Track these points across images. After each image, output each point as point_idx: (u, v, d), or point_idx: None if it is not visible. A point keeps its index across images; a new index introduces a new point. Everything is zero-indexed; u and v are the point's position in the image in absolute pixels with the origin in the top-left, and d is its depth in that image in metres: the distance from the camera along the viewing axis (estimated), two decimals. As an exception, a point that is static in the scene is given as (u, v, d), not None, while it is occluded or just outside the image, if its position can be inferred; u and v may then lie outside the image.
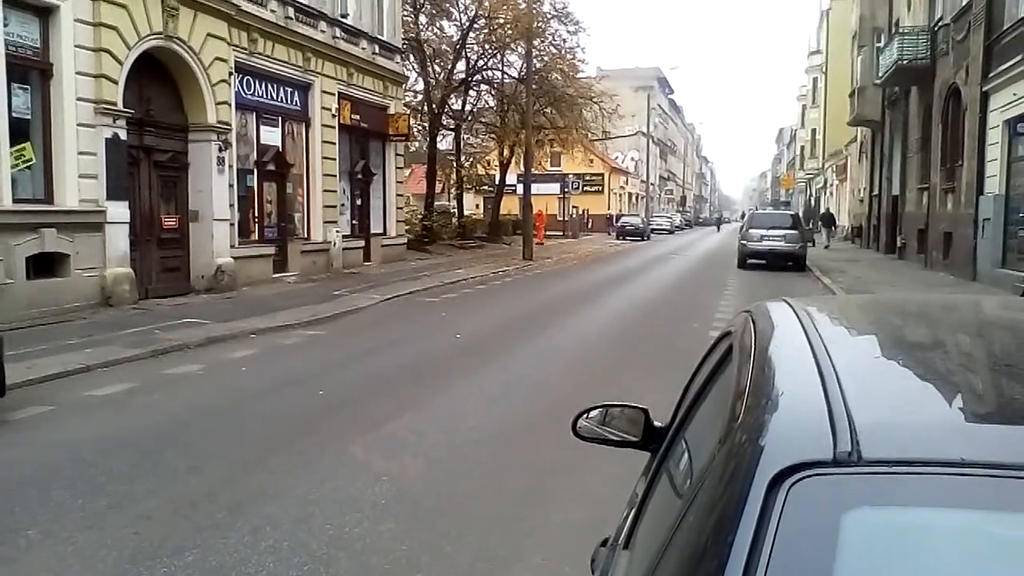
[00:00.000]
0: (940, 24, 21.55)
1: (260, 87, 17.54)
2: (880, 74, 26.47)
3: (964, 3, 18.99)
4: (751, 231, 24.12)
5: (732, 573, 0.84)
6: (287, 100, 18.57)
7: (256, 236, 17.62)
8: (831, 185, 53.38)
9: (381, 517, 4.59)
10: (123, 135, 12.95)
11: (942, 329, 1.84)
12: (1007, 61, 15.79)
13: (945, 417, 1.11)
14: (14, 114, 11.35)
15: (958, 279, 17.74)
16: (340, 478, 5.25)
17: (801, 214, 39.42)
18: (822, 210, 49.00)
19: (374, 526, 4.46)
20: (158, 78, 14.40)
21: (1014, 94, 15.49)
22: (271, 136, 18.13)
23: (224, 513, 4.62)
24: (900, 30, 24.65)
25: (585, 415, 2.32)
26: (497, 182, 37.58)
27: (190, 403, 7.40)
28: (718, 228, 68.45)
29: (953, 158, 20.04)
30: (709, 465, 1.17)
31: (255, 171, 17.54)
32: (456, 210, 37.28)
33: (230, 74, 15.80)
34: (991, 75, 16.78)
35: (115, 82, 12.69)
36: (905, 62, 22.75)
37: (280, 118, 18.45)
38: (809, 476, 0.90)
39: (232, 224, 15.98)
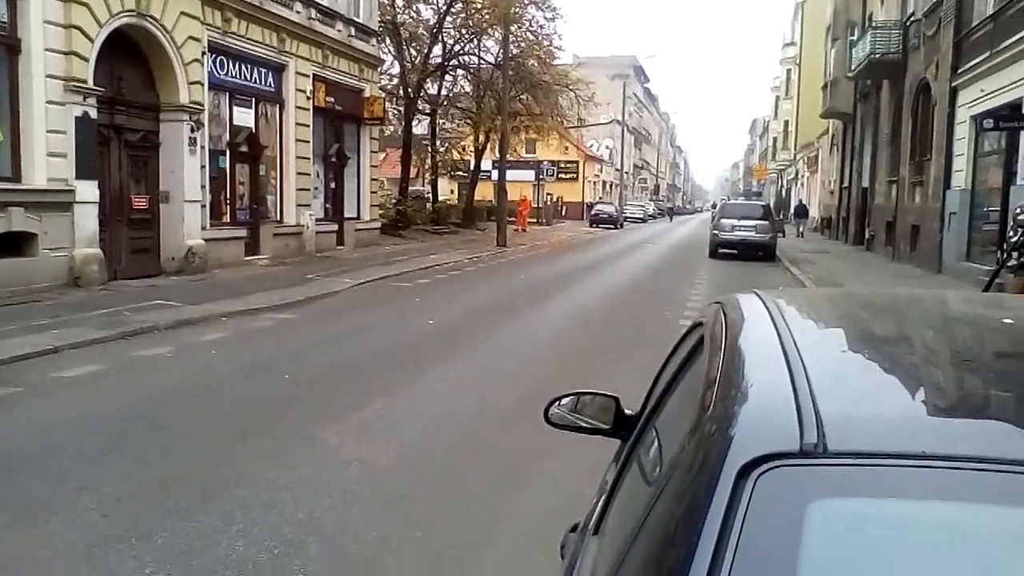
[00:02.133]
0: (912, 19, 21.81)
1: (233, 67, 17.32)
2: (852, 67, 26.74)
3: (935, -1, 19.23)
4: (723, 221, 24.34)
5: (700, 561, 0.87)
6: (261, 81, 18.35)
7: (228, 218, 17.44)
8: (802, 176, 53.87)
9: (352, 502, 4.61)
10: (93, 113, 12.74)
11: (908, 324, 1.89)
12: (975, 57, 16.04)
13: (909, 410, 1.15)
14: (-20, 90, 11.16)
15: (924, 271, 18.04)
16: (311, 463, 5.26)
17: (772, 205, 39.91)
18: (794, 201, 49.56)
19: (345, 511, 4.48)
20: (130, 56, 14.16)
21: (981, 90, 15.74)
22: (244, 117, 17.91)
23: (194, 496, 4.62)
24: (873, 24, 24.92)
25: (557, 402, 2.36)
26: (472, 168, 37.46)
27: (160, 386, 7.34)
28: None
29: (922, 152, 20.34)
30: (679, 454, 1.20)
31: (227, 152, 17.34)
32: (430, 195, 37.14)
33: (203, 53, 15.59)
34: (960, 71, 17.03)
35: (85, 59, 12.47)
36: (877, 56, 23.02)
37: (253, 99, 18.23)
38: (776, 467, 0.93)
39: (204, 206, 15.80)
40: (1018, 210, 9.89)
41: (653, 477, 1.41)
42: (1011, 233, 10.01)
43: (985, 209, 16.13)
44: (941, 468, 0.92)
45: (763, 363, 1.27)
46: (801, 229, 37.26)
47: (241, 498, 4.59)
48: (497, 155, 29.27)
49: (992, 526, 0.88)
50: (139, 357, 8.40)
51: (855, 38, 27.84)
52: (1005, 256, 10.02)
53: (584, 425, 2.31)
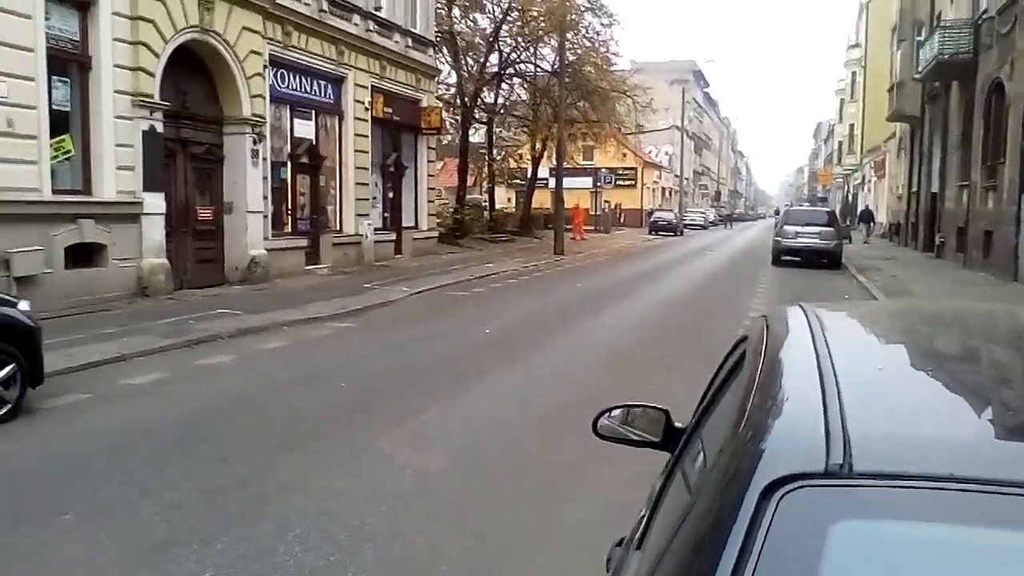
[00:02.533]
0: (984, 17, 21.07)
1: (294, 80, 17.69)
2: (920, 68, 25.98)
3: (1009, -4, 18.55)
4: (786, 227, 23.83)
5: None
6: (320, 93, 18.70)
7: (289, 228, 17.80)
8: (869, 181, 52.57)
9: (404, 509, 4.63)
10: (159, 127, 13.15)
11: (954, 340, 1.83)
12: (1052, 55, 15.42)
13: (940, 431, 1.11)
14: (54, 106, 11.57)
15: (998, 279, 17.38)
16: (365, 470, 5.30)
17: (838, 210, 39.10)
18: (860, 207, 48.48)
19: (397, 518, 4.50)
20: (194, 71, 14.58)
21: (1059, 89, 15.13)
22: (304, 129, 18.29)
23: (252, 503, 4.69)
24: (941, 23, 24.17)
25: (607, 414, 2.32)
26: (529, 176, 37.52)
27: (222, 393, 7.51)
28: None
29: (995, 155, 19.62)
30: (711, 470, 1.20)
31: (288, 164, 17.71)
32: (487, 204, 37.31)
33: (265, 67, 15.96)
34: (1036, 70, 16.39)
35: (152, 75, 12.88)
36: (946, 56, 22.30)
37: (313, 111, 18.60)
38: (800, 487, 0.92)
39: (266, 216, 16.15)
40: None
41: (690, 492, 1.38)
42: None
43: (1063, 213, 15.48)
44: (969, 491, 0.90)
45: (797, 380, 1.26)
46: (866, 236, 36.44)
47: (297, 504, 4.64)
48: (554, 163, 29.24)
49: (1020, 551, 0.86)
50: (202, 365, 8.60)
51: (922, 38, 27.07)
52: None
53: (633, 438, 2.27)
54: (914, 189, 31.36)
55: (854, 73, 55.98)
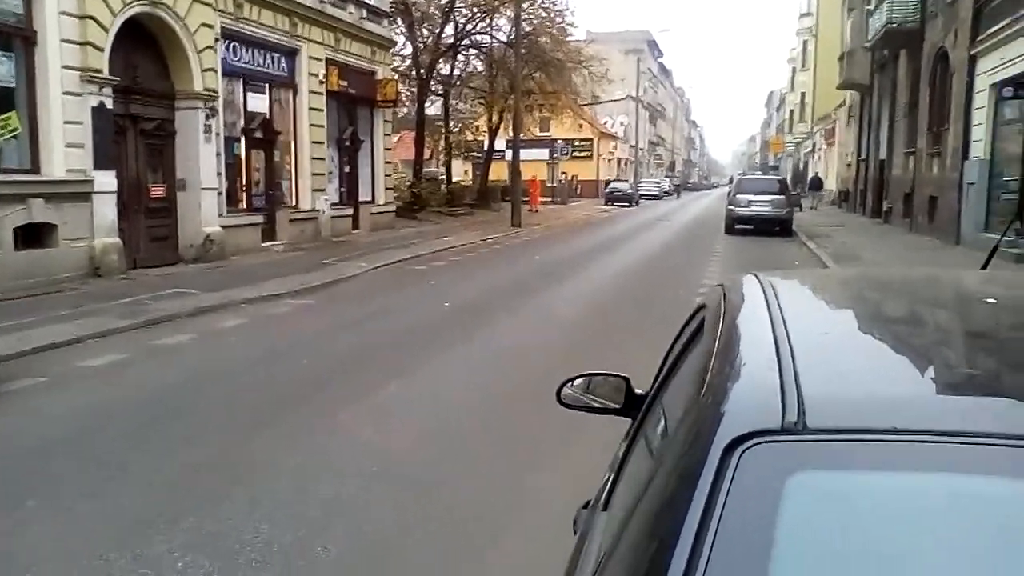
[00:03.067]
0: (930, -13, 21.46)
1: (247, 53, 17.35)
2: (869, 37, 26.41)
3: (954, -34, 18.90)
4: (738, 196, 24.16)
5: (687, 530, 0.94)
6: (274, 66, 18.38)
7: (244, 205, 17.56)
8: (819, 149, 53.37)
9: (372, 486, 4.70)
10: (109, 103, 12.84)
11: (896, 305, 1.95)
12: (996, 23, 15.78)
13: (885, 389, 1.21)
14: (-2, 83, 11.26)
15: (942, 243, 17.90)
16: (332, 447, 5.36)
17: (789, 178, 39.71)
18: (810, 175, 49.32)
19: (365, 494, 4.57)
20: (144, 45, 14.22)
21: (1001, 57, 15.52)
22: (258, 103, 17.99)
23: (219, 482, 4.72)
24: (890, -7, 24.52)
25: (570, 383, 2.41)
26: (486, 148, 37.39)
27: (183, 373, 7.47)
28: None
29: (940, 122, 20.11)
30: (676, 432, 1.28)
31: (242, 139, 17.43)
32: (445, 177, 37.12)
33: (216, 40, 15.62)
34: (979, 38, 16.78)
35: (101, 49, 12.55)
36: (894, 25, 22.71)
37: (267, 85, 18.29)
38: (759, 444, 1.00)
39: (220, 193, 15.90)
40: None
41: (655, 454, 1.48)
42: None
43: (1005, 179, 15.95)
44: (911, 442, 0.99)
45: (753, 345, 1.35)
46: (814, 203, 37.15)
47: (266, 483, 4.70)
48: (511, 135, 29.19)
49: (956, 495, 0.95)
50: (161, 345, 8.53)
51: (872, 7, 27.45)
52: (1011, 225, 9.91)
53: (596, 405, 2.37)
54: (863, 156, 31.97)
55: (805, 42, 56.60)
